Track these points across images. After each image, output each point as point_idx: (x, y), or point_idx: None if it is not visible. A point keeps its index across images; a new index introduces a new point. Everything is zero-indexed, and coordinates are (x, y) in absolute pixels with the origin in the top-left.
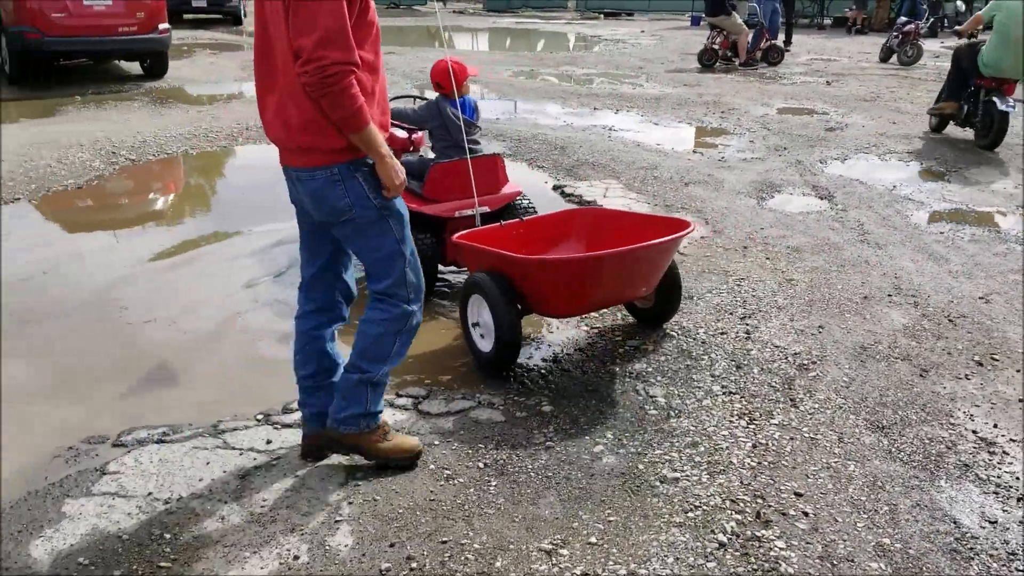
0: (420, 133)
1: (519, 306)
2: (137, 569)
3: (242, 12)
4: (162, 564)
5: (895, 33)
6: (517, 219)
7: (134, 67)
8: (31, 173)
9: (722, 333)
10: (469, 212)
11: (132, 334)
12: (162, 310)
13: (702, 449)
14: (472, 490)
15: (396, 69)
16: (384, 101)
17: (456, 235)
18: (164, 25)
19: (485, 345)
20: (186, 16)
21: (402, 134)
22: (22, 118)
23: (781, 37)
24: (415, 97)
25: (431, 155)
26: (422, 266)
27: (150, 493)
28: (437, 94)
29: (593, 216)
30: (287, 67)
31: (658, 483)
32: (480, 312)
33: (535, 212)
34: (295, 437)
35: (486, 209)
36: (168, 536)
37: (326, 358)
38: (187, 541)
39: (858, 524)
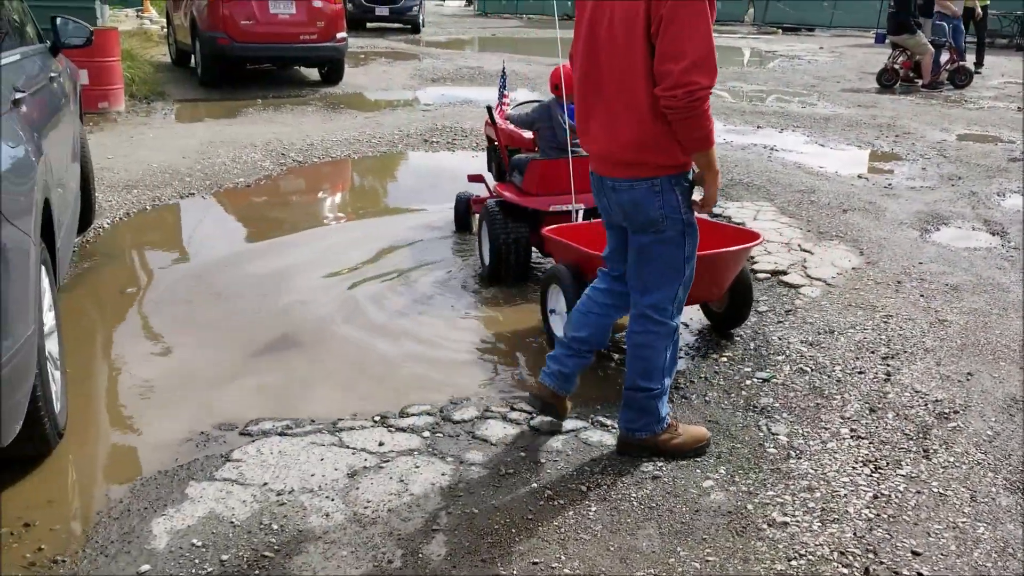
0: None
1: None
2: (243, 555)
3: (421, 21)
4: (266, 553)
5: None
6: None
7: (312, 73)
8: (207, 170)
9: (860, 372)
10: (565, 208)
11: (283, 324)
12: (309, 301)
13: (818, 495)
14: (571, 513)
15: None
16: None
17: (546, 228)
18: (342, 34)
19: (559, 330)
20: (368, 25)
21: (527, 134)
22: (207, 118)
23: (971, 58)
24: (534, 102)
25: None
26: (518, 254)
27: (265, 483)
28: (552, 96)
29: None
30: (630, 82)
31: (765, 526)
32: (557, 300)
33: None
34: (407, 441)
35: (582, 206)
36: (276, 527)
37: (603, 334)
38: (292, 534)
39: None
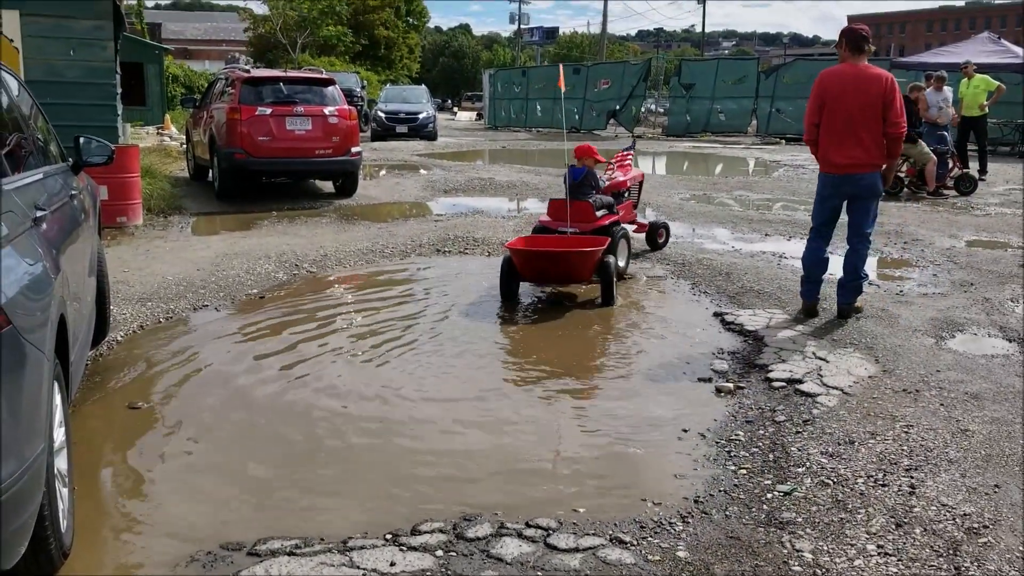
0: None
1: (519, 275)
2: None
3: (434, 134)
4: None
5: None
6: (559, 233)
7: (327, 185)
8: (221, 282)
9: (883, 485)
10: (565, 229)
11: (294, 434)
12: (320, 409)
13: None
14: None
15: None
16: None
17: (509, 242)
18: (356, 148)
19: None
20: (387, 138)
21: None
22: (223, 231)
23: (975, 166)
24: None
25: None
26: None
27: None
28: (573, 162)
29: (600, 240)
30: (873, 127)
31: None
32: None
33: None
34: (420, 561)
35: (575, 229)
36: None
37: (825, 265)
38: None
39: None
